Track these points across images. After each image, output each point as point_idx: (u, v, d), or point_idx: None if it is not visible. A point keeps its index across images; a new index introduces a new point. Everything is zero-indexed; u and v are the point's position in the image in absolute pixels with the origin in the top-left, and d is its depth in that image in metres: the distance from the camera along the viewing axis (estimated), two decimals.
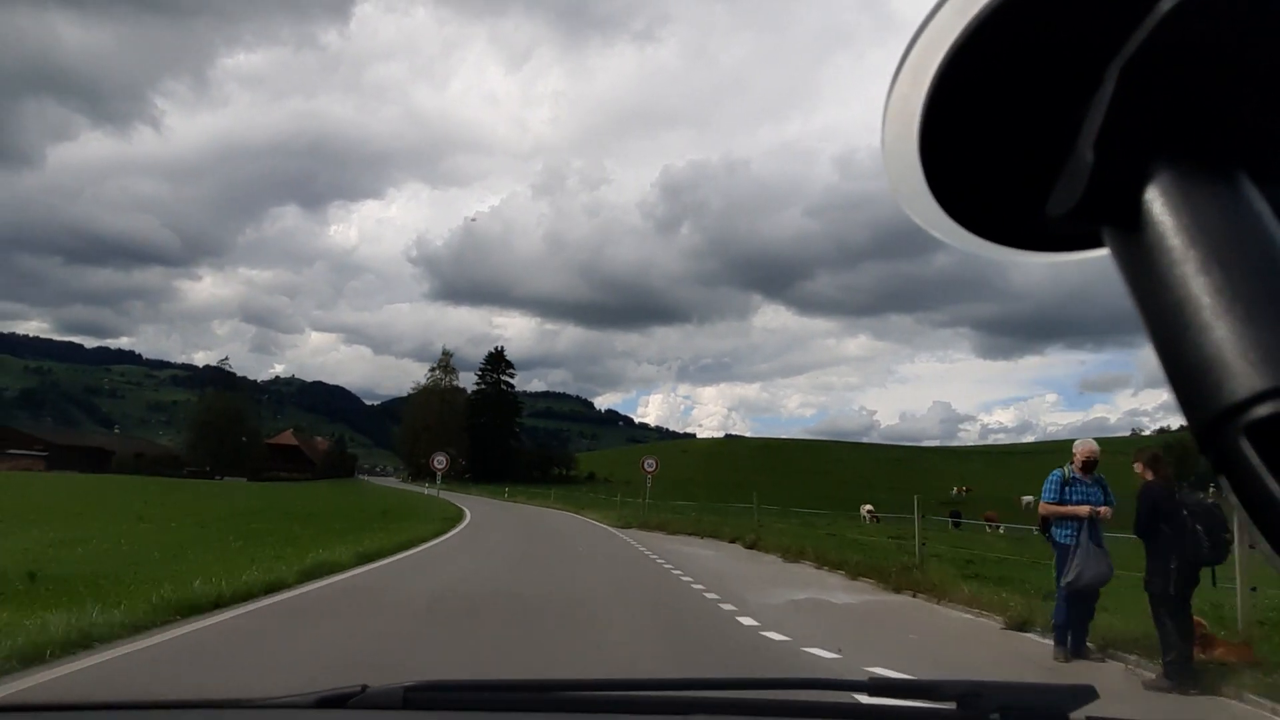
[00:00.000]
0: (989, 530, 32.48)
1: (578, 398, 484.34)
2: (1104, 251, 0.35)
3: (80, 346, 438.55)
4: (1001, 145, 0.38)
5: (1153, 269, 0.32)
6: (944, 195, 0.40)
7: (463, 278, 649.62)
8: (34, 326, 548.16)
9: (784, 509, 32.39)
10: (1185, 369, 0.30)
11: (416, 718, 1.21)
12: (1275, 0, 0.30)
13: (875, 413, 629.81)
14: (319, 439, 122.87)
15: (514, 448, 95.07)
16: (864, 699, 1.30)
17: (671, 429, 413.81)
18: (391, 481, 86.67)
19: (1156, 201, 0.32)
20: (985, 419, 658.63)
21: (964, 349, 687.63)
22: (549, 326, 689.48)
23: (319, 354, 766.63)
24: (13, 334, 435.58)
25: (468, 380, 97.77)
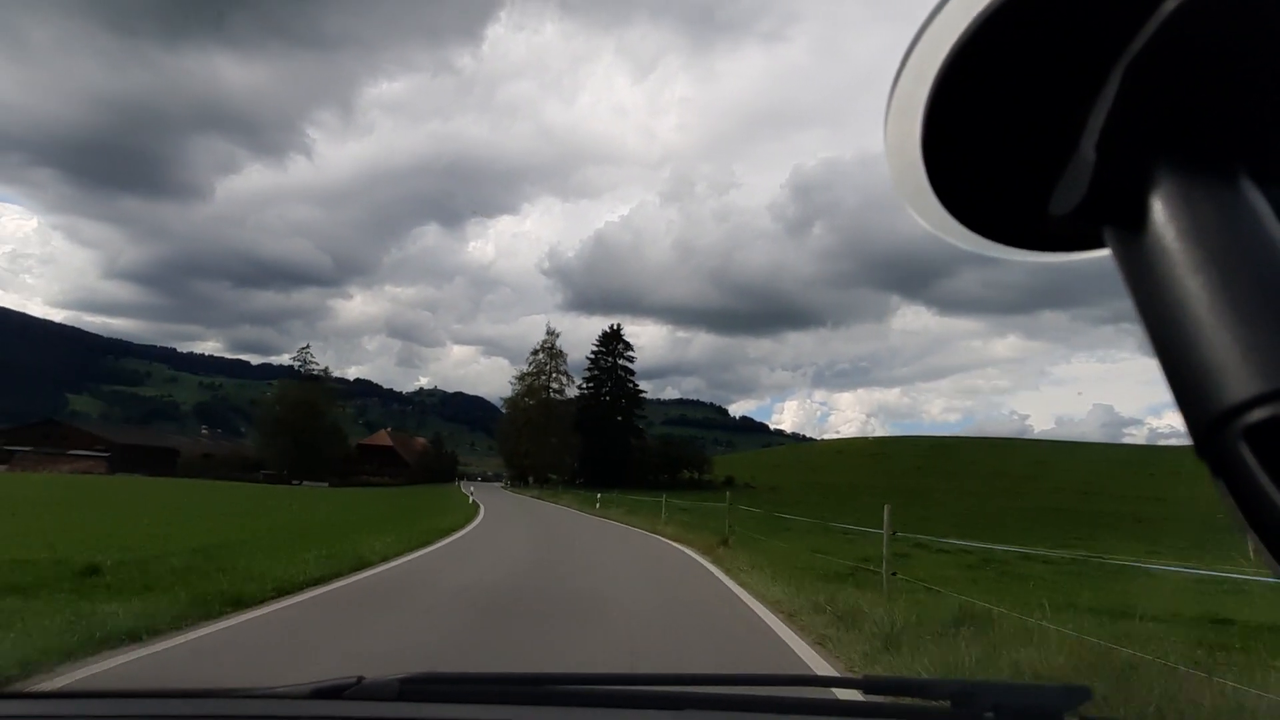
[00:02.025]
0: None
1: (711, 405, 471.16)
2: (1106, 252, 0.35)
3: (247, 363, 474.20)
4: (1004, 144, 0.38)
5: (1153, 269, 0.31)
6: (946, 193, 0.40)
7: (594, 288, 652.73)
8: (209, 346, 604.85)
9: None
10: (1184, 370, 0.29)
11: (411, 709, 1.20)
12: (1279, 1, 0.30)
13: (1027, 417, 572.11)
14: (418, 439, 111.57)
15: (634, 445, 77.66)
16: (858, 696, 1.28)
17: (808, 435, 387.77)
18: (488, 486, 72.79)
19: (1158, 202, 0.32)
20: (1154, 422, 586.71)
21: (1128, 347, 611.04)
22: (681, 334, 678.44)
23: (460, 366, 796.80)
24: (191, 353, 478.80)
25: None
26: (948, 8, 0.35)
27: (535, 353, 76.84)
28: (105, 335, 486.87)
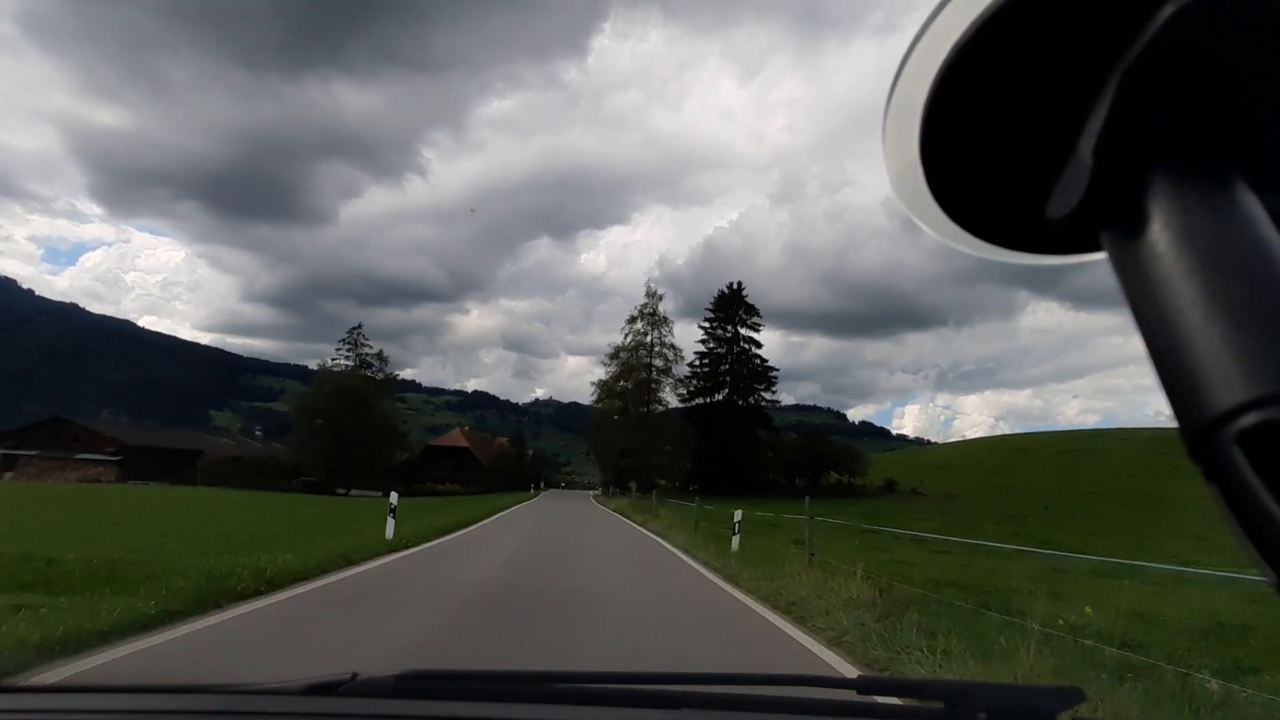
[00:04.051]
0: None
1: (829, 410, 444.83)
2: (1102, 255, 0.35)
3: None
4: (1002, 147, 0.38)
5: (1149, 273, 0.31)
6: (944, 195, 0.40)
7: (705, 294, 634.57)
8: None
9: None
10: (1178, 374, 0.29)
11: (406, 705, 1.21)
12: (1277, 7, 0.30)
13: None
14: (498, 439, 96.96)
15: (763, 441, 58.87)
16: (852, 696, 1.28)
17: (931, 440, 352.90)
18: (573, 494, 56.88)
19: (1154, 207, 0.32)
20: None
21: None
22: (795, 339, 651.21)
23: (574, 377, 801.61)
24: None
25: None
26: (947, 10, 0.35)
27: (632, 320, 58.08)
28: (245, 355, 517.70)
